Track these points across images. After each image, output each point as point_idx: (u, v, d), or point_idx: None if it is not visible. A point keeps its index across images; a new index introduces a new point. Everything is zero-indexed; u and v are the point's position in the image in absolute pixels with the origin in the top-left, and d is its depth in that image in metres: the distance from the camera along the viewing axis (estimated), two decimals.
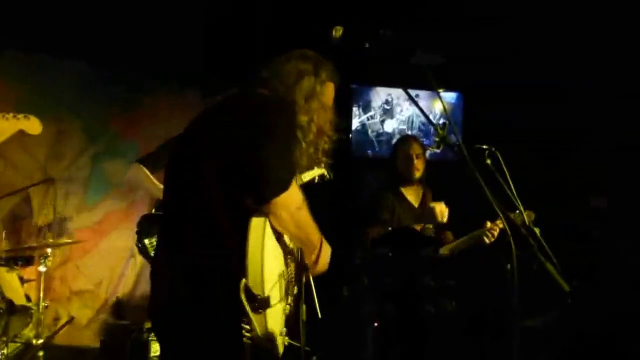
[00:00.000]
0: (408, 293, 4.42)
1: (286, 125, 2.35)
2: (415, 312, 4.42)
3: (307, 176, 4.41)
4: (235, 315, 2.17)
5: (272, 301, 2.22)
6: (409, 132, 6.80)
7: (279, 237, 2.40)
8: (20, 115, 3.10)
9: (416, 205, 4.79)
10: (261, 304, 2.16)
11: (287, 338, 2.44)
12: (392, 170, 4.82)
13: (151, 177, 4.15)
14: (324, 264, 2.58)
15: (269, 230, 2.26)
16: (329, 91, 2.66)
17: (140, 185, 4.26)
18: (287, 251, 2.50)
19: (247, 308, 2.14)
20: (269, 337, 2.21)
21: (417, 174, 4.74)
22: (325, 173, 4.38)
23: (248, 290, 2.14)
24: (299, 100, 2.50)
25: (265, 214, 2.23)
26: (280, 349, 2.34)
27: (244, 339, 2.19)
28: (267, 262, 2.20)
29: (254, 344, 2.20)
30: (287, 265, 2.47)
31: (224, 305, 2.19)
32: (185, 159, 2.40)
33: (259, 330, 2.17)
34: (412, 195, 4.80)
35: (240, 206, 2.22)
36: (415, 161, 4.71)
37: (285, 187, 2.21)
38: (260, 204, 2.21)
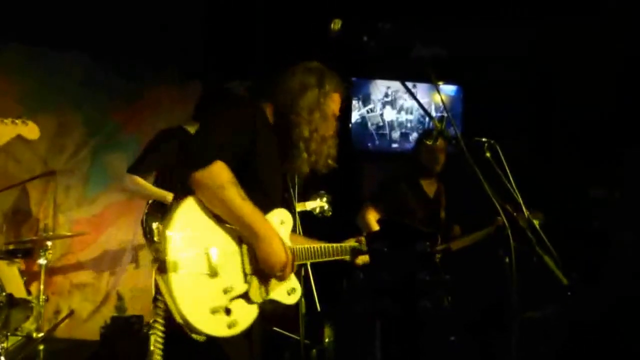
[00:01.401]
0: (404, 288, 4.43)
1: (228, 117, 2.56)
2: (412, 307, 4.44)
3: (308, 205, 4.50)
4: None
5: (181, 269, 2.30)
6: (409, 125, 6.83)
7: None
8: (19, 120, 3.14)
9: (431, 196, 4.93)
10: (161, 267, 2.29)
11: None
12: (413, 162, 4.93)
13: (145, 184, 4.23)
14: (267, 254, 2.46)
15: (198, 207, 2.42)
16: (333, 101, 2.74)
17: (139, 194, 4.34)
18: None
19: (154, 269, 2.33)
20: (176, 303, 2.27)
21: (438, 168, 4.86)
22: (326, 207, 4.47)
23: (157, 250, 2.31)
24: (302, 113, 2.63)
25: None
26: (210, 330, 2.34)
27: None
28: (185, 233, 2.35)
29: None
30: (240, 245, 2.49)
31: None
32: None
33: (165, 295, 2.29)
34: (428, 187, 4.93)
35: (184, 185, 2.44)
36: (439, 155, 4.80)
37: (202, 163, 2.38)
38: (185, 180, 2.41)
